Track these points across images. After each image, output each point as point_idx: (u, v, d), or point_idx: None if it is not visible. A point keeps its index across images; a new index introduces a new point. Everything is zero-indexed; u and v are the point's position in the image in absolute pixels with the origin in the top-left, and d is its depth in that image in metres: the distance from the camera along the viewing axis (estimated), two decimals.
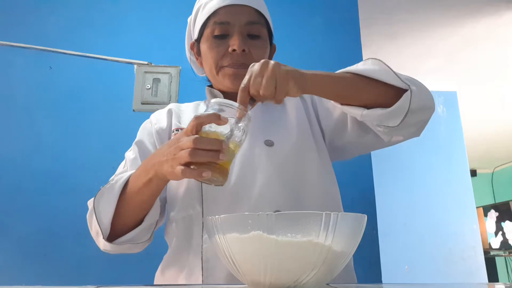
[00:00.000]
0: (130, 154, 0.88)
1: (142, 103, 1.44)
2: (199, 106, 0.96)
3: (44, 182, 1.36)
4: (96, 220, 0.74)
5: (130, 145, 0.90)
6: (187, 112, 0.94)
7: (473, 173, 5.74)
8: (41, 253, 1.30)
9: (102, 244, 0.76)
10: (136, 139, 0.90)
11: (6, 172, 1.37)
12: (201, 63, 0.93)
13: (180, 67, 1.49)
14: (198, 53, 0.93)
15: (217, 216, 0.49)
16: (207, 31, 0.87)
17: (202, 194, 0.78)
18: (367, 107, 0.74)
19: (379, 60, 0.76)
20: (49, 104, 1.44)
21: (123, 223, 0.75)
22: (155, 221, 0.79)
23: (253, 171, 0.79)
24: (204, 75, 0.99)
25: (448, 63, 3.03)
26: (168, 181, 0.72)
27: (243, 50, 0.83)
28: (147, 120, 0.95)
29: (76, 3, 1.56)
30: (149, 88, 1.45)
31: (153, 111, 1.42)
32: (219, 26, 0.84)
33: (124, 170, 0.85)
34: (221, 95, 0.91)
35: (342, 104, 0.77)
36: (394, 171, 3.03)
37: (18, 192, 1.36)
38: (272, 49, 0.96)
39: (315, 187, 0.82)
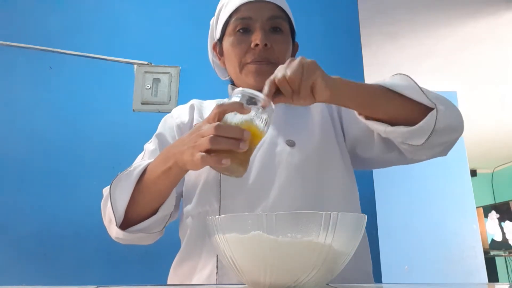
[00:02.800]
0: (150, 145, 0.88)
1: (142, 103, 1.44)
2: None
3: (44, 182, 1.36)
4: (111, 207, 0.73)
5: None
6: (209, 109, 0.93)
7: (473, 173, 5.74)
8: (41, 253, 1.30)
9: (114, 231, 0.75)
10: (156, 132, 0.90)
11: (6, 172, 1.37)
12: (223, 63, 0.93)
13: (180, 67, 1.49)
14: (220, 53, 0.92)
15: (217, 216, 0.49)
16: (229, 28, 0.87)
17: (220, 191, 0.77)
18: (392, 123, 0.73)
19: (407, 76, 0.75)
20: (49, 104, 1.44)
21: (138, 211, 0.74)
22: (169, 212, 0.78)
23: (273, 170, 0.78)
24: (227, 78, 0.98)
25: (448, 63, 3.03)
26: (187, 170, 0.70)
27: (266, 45, 0.82)
28: (169, 114, 0.95)
29: (76, 3, 1.55)
30: (149, 88, 1.45)
31: (153, 111, 1.44)
32: (241, 21, 0.85)
33: (142, 161, 0.85)
34: None
35: (366, 118, 0.76)
36: (394, 171, 3.02)
37: (18, 192, 1.35)
38: (295, 47, 0.95)
39: (335, 190, 0.80)
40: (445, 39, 2.72)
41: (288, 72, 0.61)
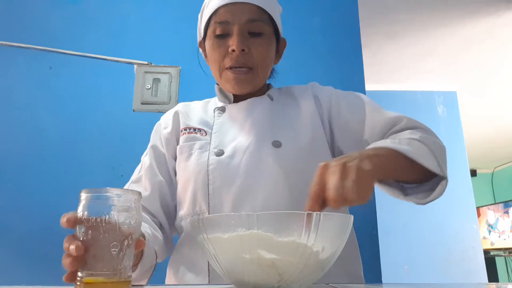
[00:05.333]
0: (146, 159, 0.89)
1: (142, 103, 1.44)
2: (209, 104, 0.96)
3: (44, 182, 1.36)
4: None
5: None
6: (196, 110, 0.94)
7: (473, 173, 5.74)
8: (41, 253, 1.30)
9: None
10: (150, 143, 0.91)
11: (6, 172, 1.37)
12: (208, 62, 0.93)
13: (180, 67, 1.49)
14: (205, 52, 0.93)
15: (200, 217, 0.49)
16: (209, 31, 0.86)
17: (208, 193, 0.78)
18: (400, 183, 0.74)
19: (421, 142, 0.73)
20: (49, 104, 1.44)
21: None
22: (151, 266, 0.75)
23: (259, 172, 0.78)
24: None
25: (448, 63, 3.03)
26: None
27: (243, 50, 0.82)
28: (158, 123, 0.95)
29: (77, 3, 1.55)
30: (149, 88, 1.45)
31: (153, 111, 1.44)
32: (220, 25, 0.83)
33: (139, 176, 0.86)
34: (231, 94, 0.91)
35: (379, 182, 0.74)
36: None
37: (18, 191, 1.35)
38: (281, 43, 0.94)
39: None
40: (445, 39, 2.72)
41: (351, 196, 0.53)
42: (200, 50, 0.97)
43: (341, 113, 0.87)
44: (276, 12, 0.90)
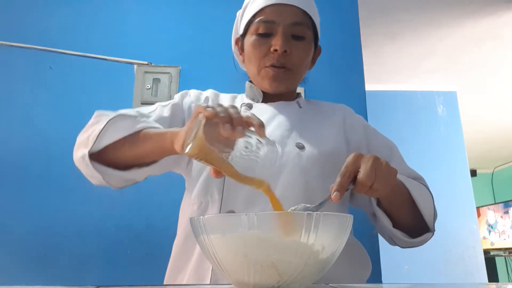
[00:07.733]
0: (164, 110, 0.86)
1: (142, 103, 1.44)
2: (236, 99, 0.96)
3: (44, 182, 1.36)
4: (99, 131, 0.71)
5: None
6: (224, 102, 0.94)
7: (473, 173, 5.74)
8: (41, 253, 1.30)
9: (80, 155, 0.72)
10: (175, 101, 0.90)
11: (6, 172, 1.37)
12: (244, 60, 0.93)
13: (180, 67, 1.49)
14: (242, 49, 0.93)
15: (201, 217, 0.49)
16: (252, 29, 0.87)
17: (224, 183, 0.77)
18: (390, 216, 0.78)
19: (430, 192, 0.81)
20: (49, 104, 1.44)
21: (117, 155, 0.73)
22: (148, 174, 0.77)
23: (278, 170, 0.78)
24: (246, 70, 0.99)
25: (448, 63, 3.03)
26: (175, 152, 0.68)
27: (285, 51, 0.82)
28: (187, 91, 0.95)
29: (76, 3, 1.55)
30: (149, 88, 1.45)
31: None
32: (264, 24, 0.84)
33: (149, 120, 0.81)
34: (261, 93, 0.91)
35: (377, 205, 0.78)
36: None
37: (18, 192, 1.35)
38: (317, 51, 0.96)
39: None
40: (445, 39, 2.72)
41: (374, 181, 0.60)
42: (235, 47, 0.97)
43: (371, 144, 0.91)
44: (317, 19, 0.93)
